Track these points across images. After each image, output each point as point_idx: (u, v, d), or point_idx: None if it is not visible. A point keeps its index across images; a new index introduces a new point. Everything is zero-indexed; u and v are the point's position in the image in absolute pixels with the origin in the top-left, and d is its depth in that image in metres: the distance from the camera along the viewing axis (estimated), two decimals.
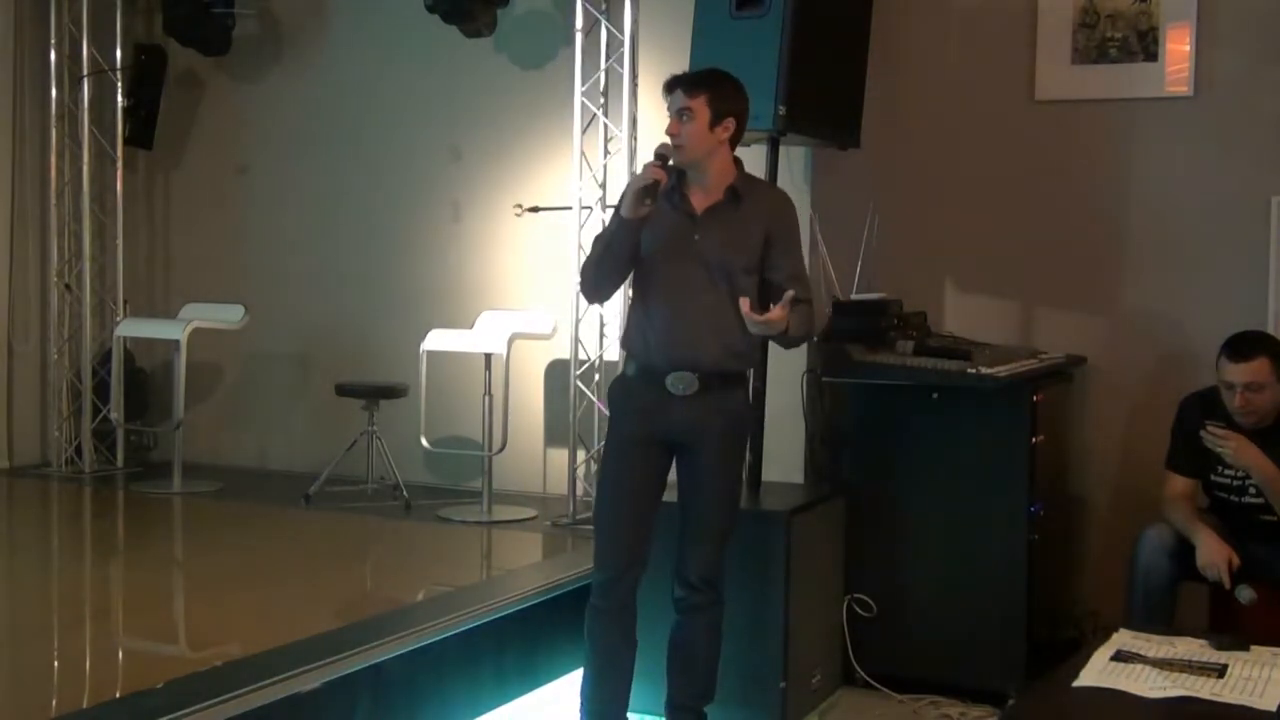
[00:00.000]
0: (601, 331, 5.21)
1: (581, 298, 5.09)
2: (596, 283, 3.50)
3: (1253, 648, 3.09)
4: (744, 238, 3.40)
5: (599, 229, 3.53)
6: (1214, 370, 4.05)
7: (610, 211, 4.20)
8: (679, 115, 3.35)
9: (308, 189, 6.27)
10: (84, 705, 3.11)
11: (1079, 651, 3.13)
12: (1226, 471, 4.00)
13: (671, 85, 3.40)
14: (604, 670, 3.51)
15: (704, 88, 3.36)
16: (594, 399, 5.18)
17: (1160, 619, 3.86)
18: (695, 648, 3.53)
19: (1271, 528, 3.94)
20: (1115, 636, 3.20)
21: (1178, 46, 4.74)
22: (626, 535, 3.43)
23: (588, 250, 4.00)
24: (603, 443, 4.77)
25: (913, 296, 4.82)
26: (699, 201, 3.41)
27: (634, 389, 3.46)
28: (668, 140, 3.36)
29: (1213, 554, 3.81)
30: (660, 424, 3.40)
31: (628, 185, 3.36)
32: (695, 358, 3.38)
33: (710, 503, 3.47)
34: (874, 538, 4.36)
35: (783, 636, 3.86)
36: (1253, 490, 3.95)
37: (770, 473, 4.31)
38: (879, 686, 4.31)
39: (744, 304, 3.26)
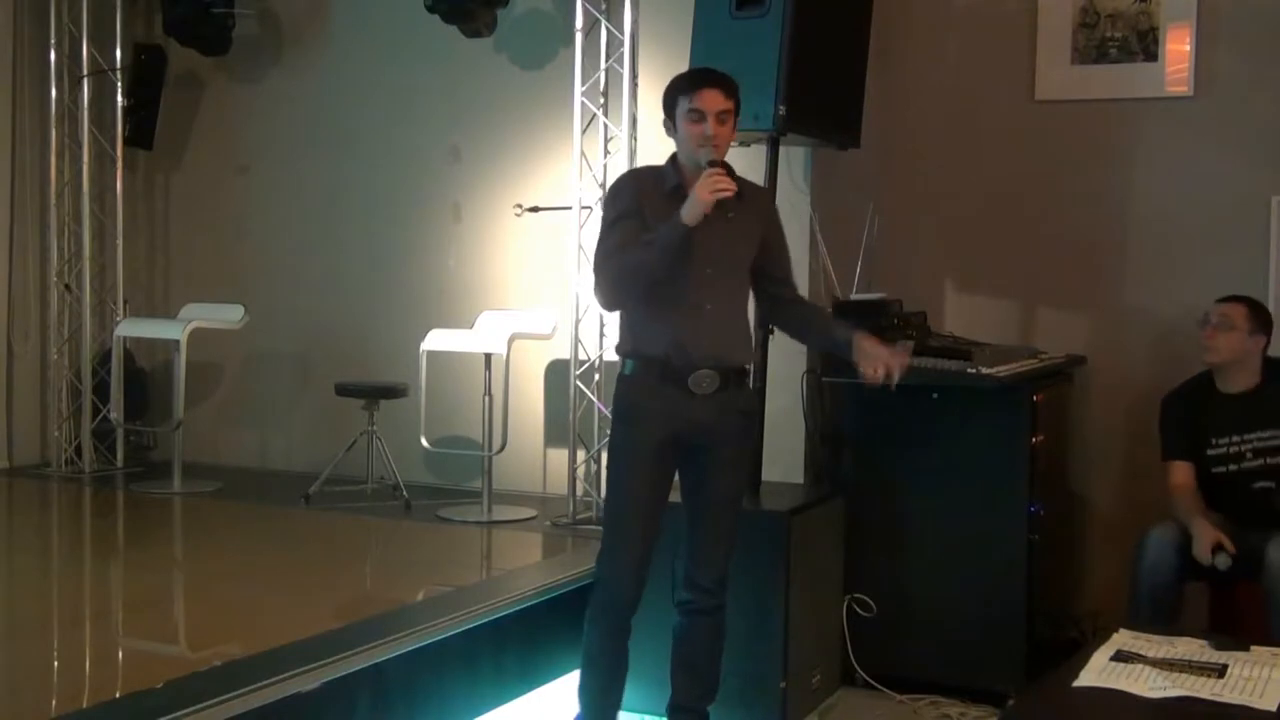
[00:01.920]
0: (601, 331, 5.20)
1: (580, 297, 5.10)
2: (645, 288, 3.32)
3: (1253, 648, 3.09)
4: (747, 234, 3.42)
5: (601, 230, 3.43)
6: None
7: None
8: (719, 117, 3.30)
9: (308, 189, 6.27)
10: (84, 705, 3.10)
11: (1079, 651, 3.13)
12: (1221, 441, 4.10)
13: (708, 83, 3.32)
14: (607, 687, 3.49)
15: (736, 90, 3.36)
16: (594, 399, 5.18)
17: (1165, 618, 3.92)
18: (701, 650, 3.52)
19: (1268, 502, 4.04)
20: (1115, 636, 3.20)
21: (1178, 46, 4.75)
22: (642, 552, 3.39)
23: (589, 251, 3.97)
24: (603, 443, 4.78)
25: (913, 296, 4.83)
26: None
27: (653, 390, 3.36)
28: (707, 139, 3.30)
29: (1205, 538, 3.90)
30: (680, 425, 3.36)
31: (694, 196, 3.22)
32: (718, 355, 3.37)
33: (726, 503, 3.47)
34: (874, 537, 4.36)
35: (783, 636, 3.87)
36: (1249, 454, 4.05)
37: (770, 473, 4.31)
38: (879, 686, 4.31)
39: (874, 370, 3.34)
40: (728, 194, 3.23)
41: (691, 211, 3.24)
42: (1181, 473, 4.14)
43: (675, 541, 3.51)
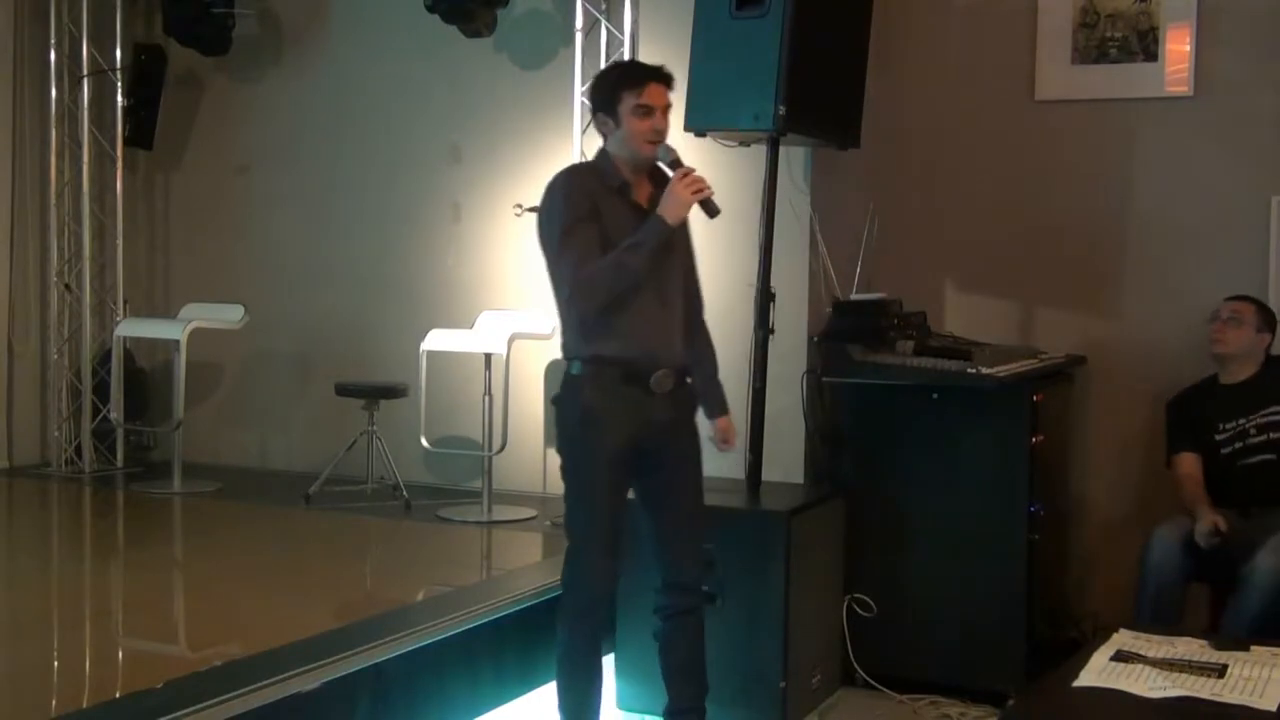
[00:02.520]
0: None
1: None
2: (627, 292, 3.26)
3: (1253, 648, 3.09)
4: (686, 230, 3.41)
5: (559, 234, 3.31)
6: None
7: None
8: (665, 112, 3.29)
9: (308, 189, 6.27)
10: (84, 705, 3.10)
11: (1079, 651, 3.13)
12: (1228, 426, 4.27)
13: (655, 78, 3.29)
14: (590, 694, 3.43)
15: (673, 84, 3.35)
16: None
17: (1170, 616, 4.00)
18: (691, 651, 3.48)
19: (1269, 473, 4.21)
20: (1115, 636, 3.20)
21: (1178, 46, 4.75)
22: (614, 553, 3.35)
23: None
24: None
25: (913, 296, 4.82)
26: (642, 197, 3.34)
27: (613, 392, 3.29)
28: (659, 134, 3.29)
29: (1205, 520, 4.03)
30: (639, 426, 3.31)
31: (675, 197, 3.22)
32: (674, 354, 3.37)
33: (696, 499, 3.45)
34: (874, 538, 4.36)
35: (783, 636, 3.86)
36: (1253, 430, 4.23)
37: (770, 473, 4.31)
38: (879, 686, 4.31)
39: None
40: (709, 194, 3.23)
41: (675, 213, 3.22)
42: (1188, 463, 4.30)
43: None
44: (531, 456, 5.60)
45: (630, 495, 3.43)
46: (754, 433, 4.24)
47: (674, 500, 3.43)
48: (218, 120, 6.55)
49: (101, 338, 6.43)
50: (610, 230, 3.25)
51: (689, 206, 3.23)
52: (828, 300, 4.65)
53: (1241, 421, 4.27)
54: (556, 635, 3.43)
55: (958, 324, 4.97)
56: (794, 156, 4.54)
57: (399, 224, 6.02)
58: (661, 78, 3.31)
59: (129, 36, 6.42)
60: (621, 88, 3.29)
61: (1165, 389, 4.55)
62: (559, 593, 3.51)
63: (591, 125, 5.19)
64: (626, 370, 3.29)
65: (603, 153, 3.39)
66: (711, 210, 3.31)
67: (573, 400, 3.35)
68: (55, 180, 6.34)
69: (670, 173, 3.32)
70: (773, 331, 4.21)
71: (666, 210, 3.23)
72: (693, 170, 3.27)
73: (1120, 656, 3.02)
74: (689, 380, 3.45)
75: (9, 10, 6.24)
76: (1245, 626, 3.78)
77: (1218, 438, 4.29)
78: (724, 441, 3.64)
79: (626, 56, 5.07)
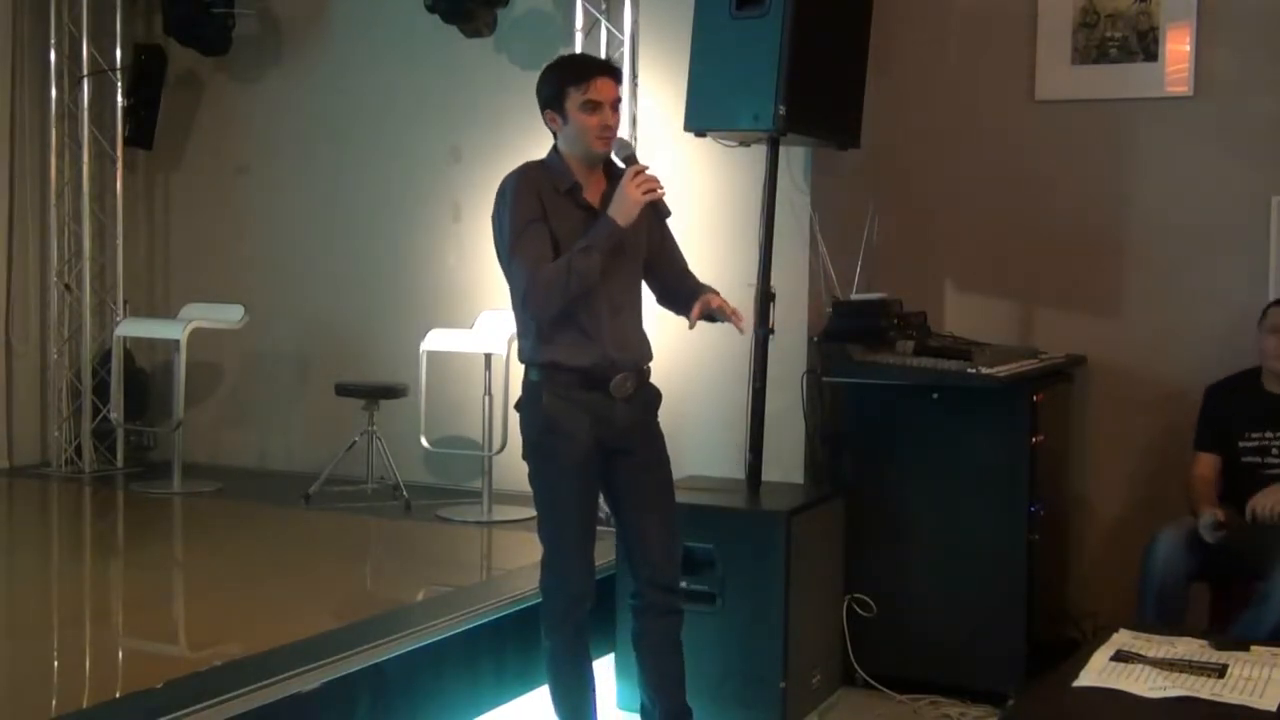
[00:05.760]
0: None
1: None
2: (580, 295, 3.21)
3: (1253, 648, 3.09)
4: (641, 226, 3.31)
5: (510, 236, 3.22)
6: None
7: None
8: (614, 106, 3.24)
9: (308, 189, 6.27)
10: (84, 705, 3.11)
11: (1079, 651, 3.13)
12: (1254, 435, 4.19)
13: (601, 72, 3.25)
14: (583, 694, 3.41)
15: (621, 78, 3.36)
16: None
17: (1174, 616, 3.97)
18: (677, 651, 3.43)
19: None
20: (1115, 636, 3.20)
21: (1178, 46, 4.75)
22: (589, 555, 3.32)
23: None
24: None
25: (913, 296, 4.82)
26: (594, 195, 3.30)
27: (575, 398, 3.25)
28: (621, 136, 3.28)
29: (1208, 516, 3.98)
30: (603, 430, 3.27)
31: (625, 197, 3.18)
32: (635, 357, 3.34)
33: (668, 499, 3.41)
34: (874, 538, 4.36)
35: (783, 636, 3.86)
36: (1275, 450, 4.15)
37: (770, 473, 4.31)
38: (879, 686, 4.31)
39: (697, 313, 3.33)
40: (660, 195, 3.20)
41: (626, 213, 3.17)
42: (1205, 464, 4.25)
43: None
44: None
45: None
46: (754, 433, 4.24)
47: (646, 502, 3.38)
48: (218, 120, 6.55)
49: (101, 338, 6.43)
50: (559, 233, 3.20)
51: (640, 206, 3.17)
52: (828, 300, 4.65)
53: (1269, 435, 4.18)
54: (541, 644, 3.40)
55: (958, 324, 4.97)
56: (794, 156, 4.54)
57: (399, 224, 6.02)
58: (608, 71, 3.27)
59: (129, 36, 6.43)
60: (567, 83, 3.22)
61: (1165, 388, 4.56)
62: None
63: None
64: (587, 375, 3.25)
65: (554, 151, 3.33)
66: (662, 211, 3.27)
67: (534, 407, 3.30)
68: (55, 180, 6.34)
69: (623, 167, 3.27)
70: (773, 331, 4.21)
71: (617, 211, 3.17)
72: (645, 169, 3.22)
73: (1120, 656, 3.02)
74: (650, 382, 3.41)
75: (9, 10, 6.24)
76: (1262, 639, 3.75)
77: (1241, 444, 4.21)
78: (733, 313, 3.37)
79: (626, 57, 5.07)
